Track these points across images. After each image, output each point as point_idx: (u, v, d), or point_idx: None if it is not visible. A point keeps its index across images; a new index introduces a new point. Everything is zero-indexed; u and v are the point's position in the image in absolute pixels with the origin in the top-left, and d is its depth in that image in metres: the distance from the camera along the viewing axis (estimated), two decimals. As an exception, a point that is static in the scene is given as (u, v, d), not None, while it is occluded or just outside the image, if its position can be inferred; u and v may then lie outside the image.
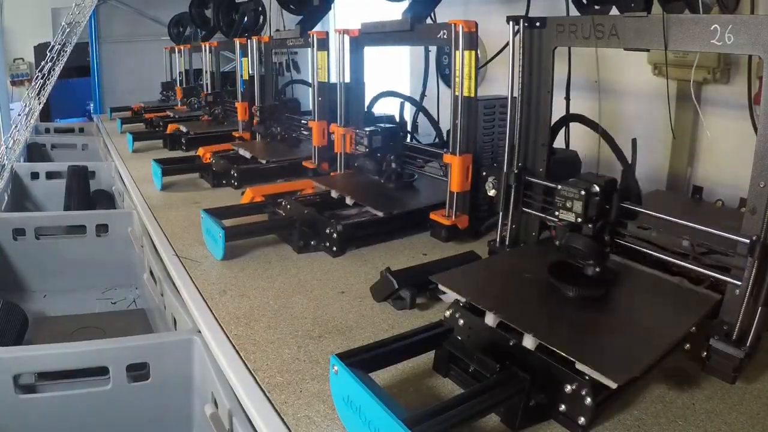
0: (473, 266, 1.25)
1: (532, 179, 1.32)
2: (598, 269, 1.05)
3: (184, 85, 3.82)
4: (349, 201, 1.63)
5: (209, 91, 3.25)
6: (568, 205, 1.05)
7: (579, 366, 0.81)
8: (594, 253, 1.04)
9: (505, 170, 1.32)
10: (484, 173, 1.37)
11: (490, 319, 0.94)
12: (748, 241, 0.90)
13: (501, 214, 1.35)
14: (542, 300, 1.03)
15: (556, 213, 1.07)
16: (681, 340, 0.93)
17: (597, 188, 1.04)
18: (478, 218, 1.56)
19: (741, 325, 0.91)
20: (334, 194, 1.69)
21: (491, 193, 1.36)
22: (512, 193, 1.32)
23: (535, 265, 1.12)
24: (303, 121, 2.42)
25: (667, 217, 1.08)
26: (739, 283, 0.92)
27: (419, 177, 1.84)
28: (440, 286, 1.06)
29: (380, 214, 1.52)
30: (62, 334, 1.68)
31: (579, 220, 1.05)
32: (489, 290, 1.08)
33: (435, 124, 2.17)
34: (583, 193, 1.03)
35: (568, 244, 1.06)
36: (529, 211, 1.33)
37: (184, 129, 2.91)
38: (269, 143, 2.50)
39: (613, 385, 0.77)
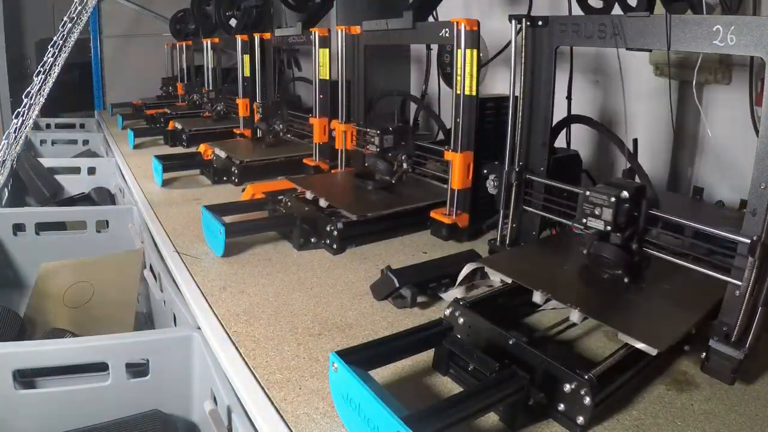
0: (513, 252, 1.35)
1: (533, 177, 1.33)
2: (627, 280, 1.06)
3: (185, 82, 3.81)
4: (323, 203, 1.59)
5: (210, 88, 3.25)
6: (597, 212, 1.01)
7: (621, 336, 0.89)
8: (623, 263, 1.03)
9: (506, 168, 1.32)
10: (485, 171, 1.37)
11: (538, 297, 1.01)
12: (748, 241, 0.90)
13: (501, 212, 1.36)
14: (581, 281, 1.11)
15: (584, 221, 1.04)
16: (706, 316, 0.98)
17: (627, 194, 1.00)
18: (478, 216, 1.56)
19: (740, 327, 0.91)
20: (308, 195, 1.65)
21: (492, 191, 1.36)
22: (513, 192, 1.32)
23: (569, 253, 1.21)
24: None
25: (687, 222, 1.06)
26: (740, 283, 0.92)
27: (408, 178, 1.84)
28: (486, 269, 1.12)
29: (353, 217, 1.49)
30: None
31: (608, 228, 1.01)
32: (532, 273, 1.14)
33: (437, 118, 2.16)
34: (613, 200, 0.99)
35: (597, 253, 1.05)
36: (530, 209, 1.34)
37: (180, 126, 2.92)
38: (249, 143, 2.52)
39: (653, 352, 0.85)
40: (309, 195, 1.65)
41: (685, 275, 1.14)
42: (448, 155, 1.49)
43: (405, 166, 1.71)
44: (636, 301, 1.04)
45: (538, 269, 1.18)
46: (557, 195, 1.29)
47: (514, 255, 1.31)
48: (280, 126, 2.41)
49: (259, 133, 2.65)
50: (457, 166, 1.47)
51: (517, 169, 1.32)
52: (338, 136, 1.95)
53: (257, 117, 2.48)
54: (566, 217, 1.24)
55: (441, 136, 2.40)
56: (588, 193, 1.03)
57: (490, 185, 1.36)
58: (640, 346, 0.86)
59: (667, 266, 1.15)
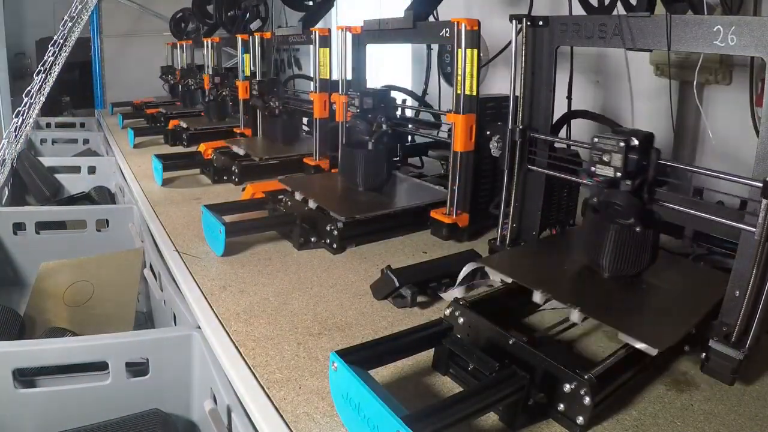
0: (513, 252, 1.34)
1: (538, 135, 1.30)
2: (638, 229, 1.00)
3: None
4: (312, 204, 1.59)
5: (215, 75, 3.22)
6: (606, 158, 0.97)
7: (621, 336, 0.89)
8: (635, 210, 0.98)
9: (509, 127, 1.29)
10: (488, 132, 1.34)
11: (538, 297, 1.01)
12: (760, 184, 0.87)
13: (506, 174, 1.33)
14: (581, 281, 1.11)
15: (592, 168, 1.00)
16: (706, 315, 0.99)
17: (636, 141, 0.96)
18: (478, 216, 1.56)
19: (740, 327, 0.91)
20: (297, 196, 1.64)
21: (495, 153, 1.32)
22: (517, 150, 1.29)
23: (569, 253, 1.20)
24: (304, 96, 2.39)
25: (697, 169, 1.11)
26: (753, 229, 0.89)
27: (397, 180, 1.84)
28: (486, 268, 1.11)
29: (342, 218, 1.47)
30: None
31: (618, 174, 0.97)
32: (532, 273, 1.14)
33: (432, 108, 2.16)
34: (622, 144, 0.95)
35: (607, 200, 0.99)
36: (535, 168, 1.31)
37: (185, 125, 2.92)
38: (265, 141, 2.50)
39: (654, 352, 0.83)
40: (298, 196, 1.64)
41: (686, 275, 1.16)
42: (451, 117, 1.47)
43: (384, 127, 1.71)
44: (636, 301, 1.04)
45: (538, 269, 1.18)
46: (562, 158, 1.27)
47: (515, 255, 1.31)
48: (276, 103, 2.38)
49: (259, 129, 2.64)
50: (460, 127, 1.46)
51: (521, 127, 1.27)
52: (339, 108, 1.93)
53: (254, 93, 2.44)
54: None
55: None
56: (596, 139, 0.98)
57: (494, 147, 1.32)
58: (640, 346, 0.86)
59: (669, 266, 1.16)
